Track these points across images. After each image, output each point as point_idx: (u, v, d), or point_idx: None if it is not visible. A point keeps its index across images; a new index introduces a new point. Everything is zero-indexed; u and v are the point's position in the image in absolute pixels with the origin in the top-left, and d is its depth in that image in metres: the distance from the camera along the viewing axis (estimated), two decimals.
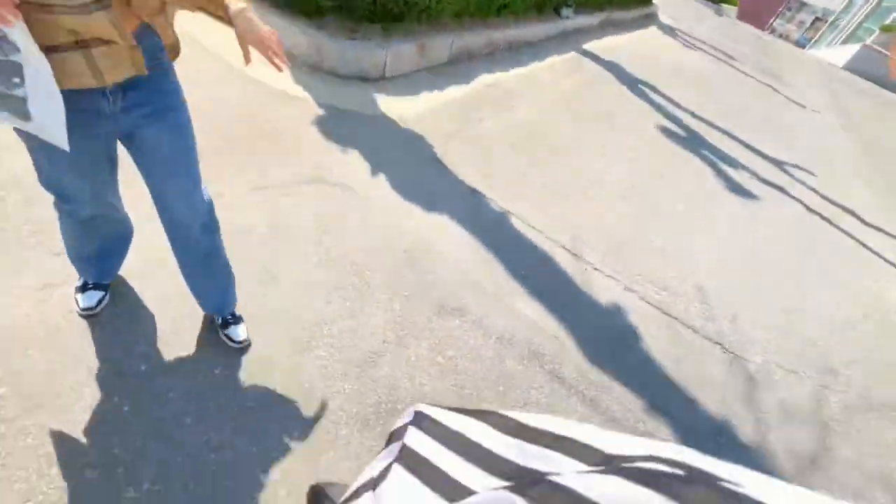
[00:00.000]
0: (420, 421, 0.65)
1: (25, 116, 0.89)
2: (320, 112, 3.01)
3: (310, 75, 3.33)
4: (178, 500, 1.25)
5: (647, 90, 6.06)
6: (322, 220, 2.26)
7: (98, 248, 1.43)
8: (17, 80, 0.85)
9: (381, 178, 2.69)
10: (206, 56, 3.05)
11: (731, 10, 21.19)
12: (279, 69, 1.06)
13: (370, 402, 1.65)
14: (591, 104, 4.89)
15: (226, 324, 1.61)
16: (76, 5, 0.83)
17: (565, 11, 6.76)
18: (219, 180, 2.15)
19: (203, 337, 1.63)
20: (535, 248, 2.65)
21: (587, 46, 6.86)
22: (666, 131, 4.95)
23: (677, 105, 5.92)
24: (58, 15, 0.83)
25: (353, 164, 2.71)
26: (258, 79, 3.04)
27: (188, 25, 2.90)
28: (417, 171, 2.86)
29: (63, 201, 1.25)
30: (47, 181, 1.18)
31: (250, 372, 1.58)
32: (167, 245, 1.43)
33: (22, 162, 1.36)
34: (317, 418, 1.54)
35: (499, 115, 3.87)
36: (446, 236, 2.48)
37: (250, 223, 2.10)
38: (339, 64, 3.43)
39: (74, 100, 0.93)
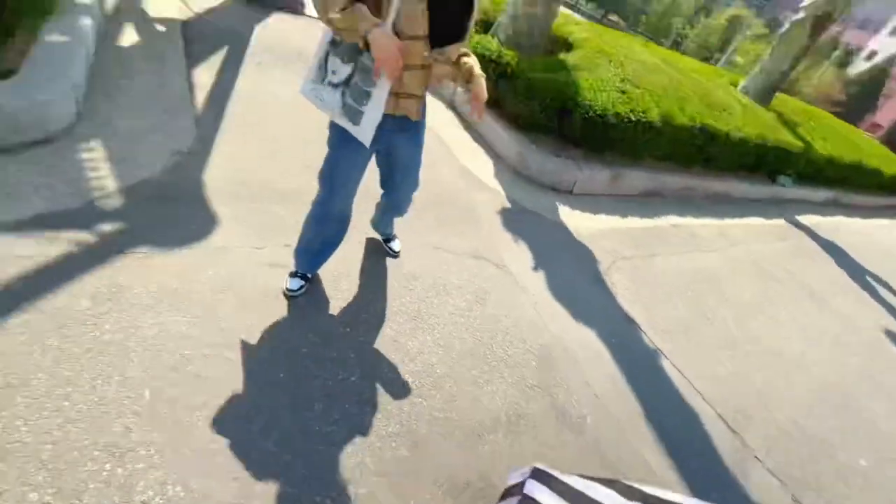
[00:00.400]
0: (540, 476, 0.67)
1: (356, 122, 1.48)
2: (508, 205, 3.38)
3: (510, 176, 3.81)
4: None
5: (876, 284, 5.08)
6: (477, 292, 2.46)
7: (322, 241, 1.91)
8: (365, 102, 1.44)
9: (541, 274, 2.82)
10: (436, 140, 3.79)
11: None
12: (480, 117, 1.59)
13: (471, 473, 1.63)
14: (792, 274, 4.32)
15: (388, 240, 2.41)
16: (417, 65, 1.46)
17: (782, 179, 6.33)
18: (411, 231, 2.58)
19: (372, 337, 1.92)
20: (684, 405, 2.36)
21: (802, 218, 6.20)
22: (894, 336, 4.01)
23: None
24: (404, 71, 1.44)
25: (520, 255, 2.92)
26: (468, 167, 3.62)
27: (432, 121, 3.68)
28: (578, 282, 2.91)
29: (328, 192, 1.76)
30: (329, 174, 1.71)
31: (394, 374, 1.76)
32: (354, 258, 1.80)
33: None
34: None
35: (678, 255, 3.72)
36: (587, 352, 2.40)
37: (419, 273, 2.41)
38: (537, 174, 3.85)
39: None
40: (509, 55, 4.08)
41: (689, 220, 4.48)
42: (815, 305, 3.95)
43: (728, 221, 4.92)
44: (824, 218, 6.70)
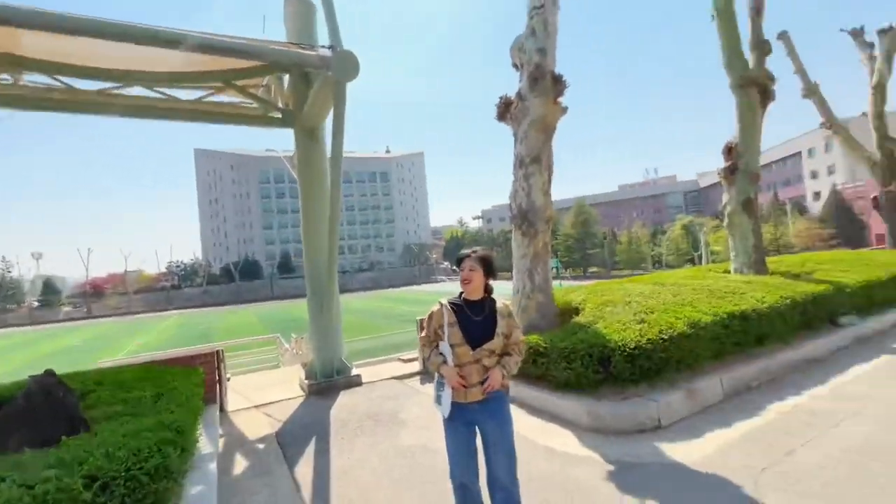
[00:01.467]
0: None
1: (439, 402, 2.37)
2: (610, 468, 3.24)
3: (594, 438, 3.78)
4: None
5: None
6: None
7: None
8: (441, 390, 2.37)
9: None
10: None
11: None
12: (483, 393, 2.31)
13: None
14: None
15: None
16: (469, 362, 2.31)
17: (845, 319, 6.21)
18: None
19: None
20: None
21: None
22: None
23: None
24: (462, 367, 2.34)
25: None
26: (552, 447, 3.64)
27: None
28: None
29: (449, 463, 2.40)
30: (447, 450, 2.43)
31: None
32: None
33: None
34: None
35: (815, 442, 3.32)
36: None
37: None
38: (615, 423, 3.85)
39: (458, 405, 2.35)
40: (534, 338, 4.76)
41: (795, 401, 4.17)
42: None
43: (835, 382, 4.56)
44: None
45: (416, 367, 6.83)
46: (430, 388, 5.77)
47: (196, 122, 7.00)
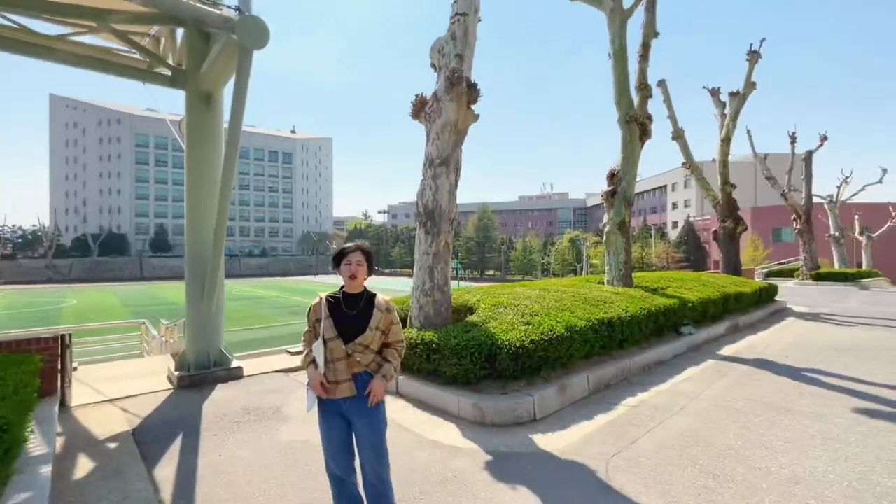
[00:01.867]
0: None
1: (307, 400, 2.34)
2: (488, 458, 3.47)
3: (476, 430, 4.00)
4: None
5: (817, 375, 5.61)
6: None
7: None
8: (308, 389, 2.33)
9: None
10: (398, 429, 3.97)
11: (873, 280, 20.15)
12: (369, 404, 2.32)
13: None
14: (753, 401, 4.65)
15: None
16: (340, 357, 2.28)
17: (685, 329, 7.39)
18: None
19: None
20: None
21: (723, 352, 7.01)
22: (870, 412, 4.29)
23: (865, 382, 5.26)
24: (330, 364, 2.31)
25: (524, 500, 2.89)
26: (437, 440, 3.77)
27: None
28: (588, 499, 2.89)
29: (324, 453, 2.39)
30: (322, 442, 2.38)
31: None
32: None
33: None
34: None
35: (653, 432, 3.91)
36: None
37: None
38: (497, 416, 4.12)
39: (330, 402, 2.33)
40: (429, 335, 4.88)
41: (641, 397, 4.86)
42: (788, 417, 4.20)
43: (672, 382, 5.41)
44: (737, 343, 7.64)
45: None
46: None
47: (57, 62, 5.84)
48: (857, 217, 29.13)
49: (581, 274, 44.49)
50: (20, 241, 64.06)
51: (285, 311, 24.52)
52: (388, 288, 31.93)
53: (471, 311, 5.83)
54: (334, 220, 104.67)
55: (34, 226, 67.41)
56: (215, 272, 5.50)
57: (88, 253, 62.00)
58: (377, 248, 75.59)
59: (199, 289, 5.74)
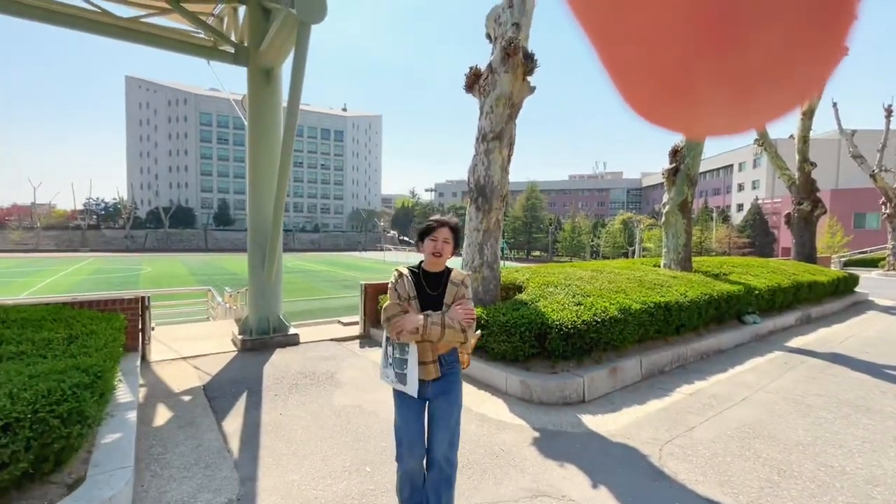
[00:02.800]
0: None
1: (404, 383, 2.09)
2: (536, 434, 3.46)
3: (523, 407, 4.00)
4: None
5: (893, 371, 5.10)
6: None
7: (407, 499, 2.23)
8: (405, 367, 2.09)
9: (604, 491, 2.73)
10: None
11: None
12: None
13: None
14: (825, 397, 4.31)
15: None
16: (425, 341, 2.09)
17: (749, 318, 6.94)
18: (461, 498, 2.56)
19: None
20: None
21: (792, 343, 6.53)
22: None
23: None
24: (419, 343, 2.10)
25: (572, 478, 2.87)
26: (484, 413, 3.81)
27: None
28: (638, 482, 2.82)
29: (400, 447, 2.16)
30: (398, 432, 2.17)
31: None
32: None
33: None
34: None
35: (711, 421, 3.73)
36: None
37: None
38: (545, 394, 4.09)
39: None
40: (478, 311, 4.89)
41: (699, 385, 4.65)
42: (867, 417, 3.86)
43: (734, 371, 5.12)
44: (808, 336, 7.08)
45: (355, 330, 6.81)
46: (369, 352, 5.80)
47: (132, 42, 6.23)
48: None
49: (633, 257, 42.74)
50: (103, 213, 70.53)
51: (337, 285, 25.50)
52: None
53: (519, 289, 5.77)
54: (382, 198, 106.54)
55: (114, 199, 73.94)
56: (275, 243, 5.77)
57: (160, 225, 67.31)
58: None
59: (260, 258, 6.06)
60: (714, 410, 3.97)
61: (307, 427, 3.51)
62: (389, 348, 2.15)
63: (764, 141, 13.45)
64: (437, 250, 2.12)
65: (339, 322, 7.51)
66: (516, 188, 68.91)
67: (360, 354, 5.72)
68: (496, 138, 5.15)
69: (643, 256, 41.19)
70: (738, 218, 53.61)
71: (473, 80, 5.36)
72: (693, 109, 0.14)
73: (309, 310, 16.28)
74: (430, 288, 2.15)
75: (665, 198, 8.64)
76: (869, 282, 14.93)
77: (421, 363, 2.10)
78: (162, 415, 3.72)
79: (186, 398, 4.11)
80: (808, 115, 12.85)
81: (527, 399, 4.14)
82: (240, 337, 5.89)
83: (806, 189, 12.62)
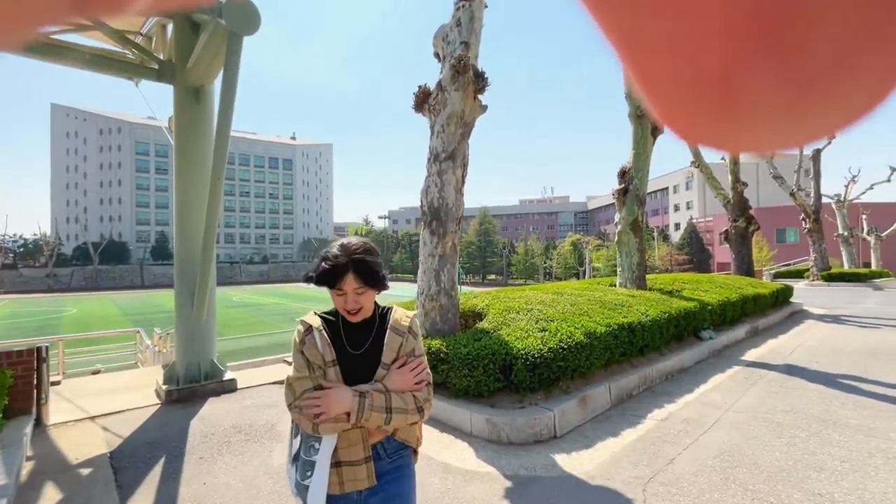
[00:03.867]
0: None
1: (303, 496, 1.35)
2: (507, 483, 3.06)
3: (491, 450, 3.60)
4: None
5: (856, 382, 5.20)
6: None
7: None
8: (309, 474, 1.35)
9: None
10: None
11: (885, 280, 19.70)
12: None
13: None
14: (793, 413, 4.24)
15: None
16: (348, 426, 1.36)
17: (705, 333, 6.98)
18: None
19: None
20: None
21: (747, 357, 6.60)
22: None
23: None
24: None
25: None
26: (447, 462, 3.37)
27: None
28: None
29: None
30: None
31: None
32: None
33: None
34: None
35: (690, 451, 3.50)
36: None
37: None
38: (513, 434, 3.72)
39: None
40: (436, 343, 4.49)
41: (670, 408, 4.46)
42: (837, 432, 3.79)
43: (700, 391, 5.00)
44: (759, 348, 7.23)
45: None
46: None
47: (43, 60, 5.53)
48: (864, 216, 28.68)
49: (583, 277, 44.08)
50: (21, 250, 63.84)
51: (286, 318, 24.13)
52: (391, 294, 31.59)
53: (479, 316, 5.44)
54: (335, 226, 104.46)
55: (35, 235, 67.26)
56: (206, 278, 5.12)
57: (89, 261, 61.74)
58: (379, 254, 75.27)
59: (189, 296, 5.37)
60: (689, 437, 3.75)
61: (237, 498, 2.91)
62: (296, 440, 1.45)
63: (700, 163, 14.27)
64: (350, 308, 1.39)
65: (284, 361, 6.81)
66: (469, 213, 69.87)
67: None
68: (449, 158, 4.90)
69: (594, 276, 42.56)
70: (676, 236, 57.01)
71: (423, 99, 5.12)
72: (741, 122, 0.12)
73: (254, 346, 15.11)
74: (353, 345, 1.44)
75: (617, 217, 8.75)
76: (798, 292, 15.97)
77: (343, 464, 1.36)
78: (48, 498, 2.98)
79: (85, 471, 3.36)
80: None
81: (494, 440, 3.74)
82: (164, 387, 5.10)
83: (740, 207, 13.42)
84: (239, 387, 5.44)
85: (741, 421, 4.10)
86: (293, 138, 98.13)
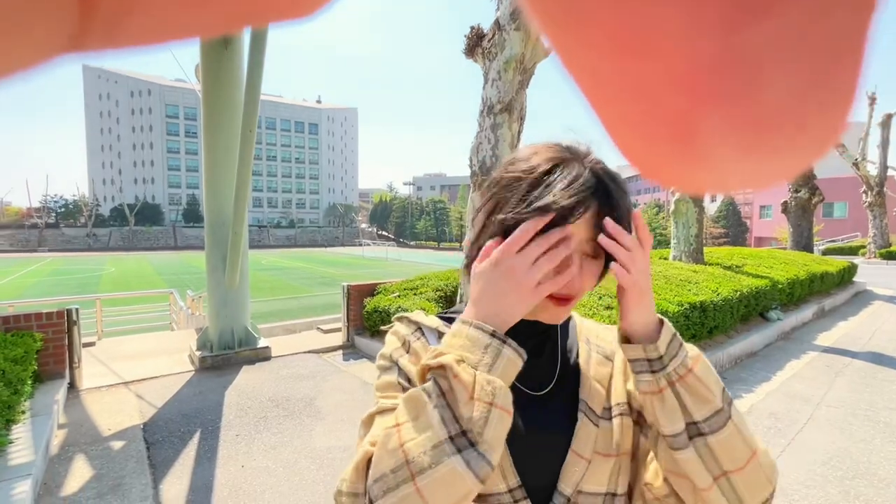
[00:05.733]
0: None
1: None
2: None
3: None
4: None
5: None
6: None
7: None
8: None
9: None
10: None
11: None
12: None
13: None
14: (890, 410, 3.68)
15: None
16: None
17: (773, 314, 6.34)
18: None
19: None
20: None
21: (820, 342, 5.96)
22: None
23: None
24: None
25: None
26: None
27: None
28: None
29: None
30: None
31: None
32: None
33: None
34: None
35: (790, 454, 3.02)
36: None
37: None
38: None
39: None
40: None
41: (751, 399, 3.95)
42: None
43: (779, 380, 4.46)
44: (831, 331, 6.55)
45: (337, 339, 5.90)
46: (354, 366, 4.92)
47: None
48: None
49: None
50: (62, 210, 66.41)
51: (314, 282, 24.33)
52: (417, 261, 31.57)
53: None
54: (360, 192, 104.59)
55: (74, 195, 69.78)
56: (238, 240, 4.79)
57: (125, 222, 63.84)
58: (402, 220, 75.32)
59: (221, 259, 5.07)
60: (785, 437, 3.26)
61: (278, 487, 2.61)
62: None
63: None
64: (566, 291, 0.57)
65: (318, 329, 6.57)
66: None
67: (344, 370, 4.83)
68: (505, 110, 4.30)
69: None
70: (711, 209, 54.49)
71: (476, 42, 4.48)
72: (702, 164, 0.12)
73: (286, 309, 15.19)
74: (527, 381, 0.63)
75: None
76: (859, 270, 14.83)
77: None
78: (78, 475, 2.76)
79: (118, 445, 3.14)
80: None
81: None
82: (198, 353, 4.89)
83: (804, 175, 12.25)
84: (273, 355, 5.20)
85: (840, 418, 3.56)
86: (319, 102, 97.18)
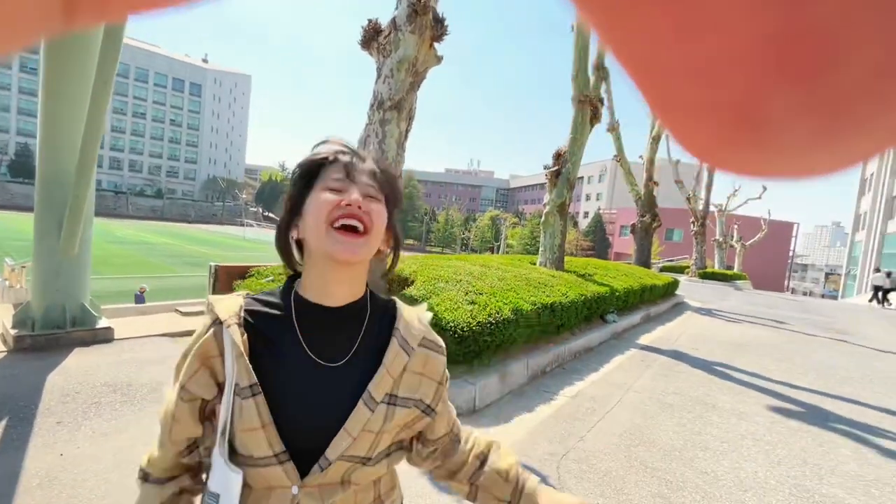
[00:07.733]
0: None
1: None
2: None
3: None
4: None
5: (726, 370, 5.91)
6: None
7: None
8: None
9: None
10: None
11: (743, 283, 23.18)
12: None
13: None
14: (680, 395, 4.69)
15: None
16: None
17: (611, 317, 7.50)
18: None
19: None
20: None
21: (642, 341, 7.23)
22: (781, 411, 4.50)
23: (765, 378, 5.63)
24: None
25: None
26: None
27: None
28: None
29: None
30: None
31: None
32: None
33: None
34: None
35: (598, 428, 3.68)
36: None
37: None
38: None
39: None
40: None
41: (579, 386, 4.68)
42: (716, 414, 4.25)
43: (605, 371, 5.34)
44: (652, 333, 7.98)
45: (199, 323, 5.47)
46: None
47: None
48: (736, 227, 33.22)
49: (497, 252, 45.86)
50: None
51: (181, 261, 21.77)
52: None
53: (406, 282, 5.20)
54: (246, 168, 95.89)
55: None
56: (79, 203, 4.18)
57: None
58: None
59: (56, 224, 4.37)
60: (597, 415, 3.95)
61: (105, 475, 2.41)
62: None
63: (621, 158, 15.17)
64: (352, 214, 0.70)
65: (176, 311, 6.01)
66: None
67: None
68: (394, 108, 4.45)
69: (506, 252, 44.46)
70: (583, 224, 61.47)
71: (372, 36, 4.56)
72: (766, 149, 0.12)
73: (136, 289, 13.40)
74: (319, 350, 0.74)
75: (546, 198, 8.94)
76: (680, 286, 18.12)
77: None
78: None
79: None
80: (657, 140, 14.86)
81: None
82: (12, 332, 4.16)
83: (649, 204, 14.61)
84: (117, 337, 4.65)
85: (640, 401, 4.43)
86: (205, 61, 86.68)
